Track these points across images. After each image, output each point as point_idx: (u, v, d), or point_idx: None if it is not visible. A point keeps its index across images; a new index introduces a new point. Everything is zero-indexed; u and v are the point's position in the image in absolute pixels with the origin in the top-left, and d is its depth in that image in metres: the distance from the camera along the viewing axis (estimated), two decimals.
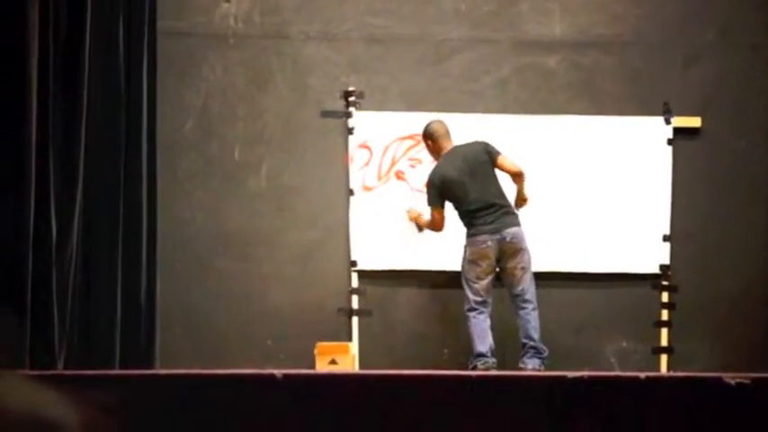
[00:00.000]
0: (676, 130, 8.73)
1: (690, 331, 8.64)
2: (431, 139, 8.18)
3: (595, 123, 8.71)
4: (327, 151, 8.66)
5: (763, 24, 8.81)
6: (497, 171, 8.05)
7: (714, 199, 8.75)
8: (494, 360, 7.89)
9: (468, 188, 7.96)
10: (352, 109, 8.65)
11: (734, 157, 8.78)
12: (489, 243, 7.91)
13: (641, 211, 8.65)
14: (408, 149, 8.65)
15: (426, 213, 8.27)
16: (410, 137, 8.63)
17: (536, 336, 7.91)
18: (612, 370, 8.52)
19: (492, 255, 7.92)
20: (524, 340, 7.91)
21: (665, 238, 8.66)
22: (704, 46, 8.81)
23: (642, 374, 4.89)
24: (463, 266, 8.02)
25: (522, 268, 7.95)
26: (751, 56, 8.80)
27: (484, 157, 8.02)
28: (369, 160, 8.64)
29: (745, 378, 4.73)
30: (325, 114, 8.68)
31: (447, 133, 8.16)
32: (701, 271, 8.68)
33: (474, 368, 7.87)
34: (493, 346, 7.90)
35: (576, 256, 8.59)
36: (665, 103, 8.73)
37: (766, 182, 8.77)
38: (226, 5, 8.67)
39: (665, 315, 8.68)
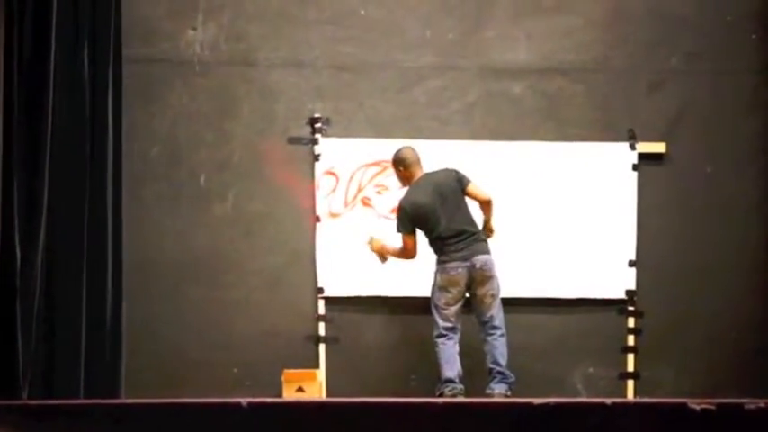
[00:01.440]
0: (641, 156, 8.77)
1: (656, 357, 8.66)
2: (402, 165, 8.17)
3: (561, 149, 8.74)
4: (294, 177, 8.65)
5: (727, 50, 8.88)
6: (467, 199, 8.07)
7: (679, 224, 8.79)
8: (461, 386, 7.88)
9: (440, 215, 7.96)
10: (318, 135, 8.66)
11: (699, 182, 8.83)
12: (460, 270, 7.92)
13: (607, 236, 8.68)
14: (374, 176, 8.66)
15: (390, 241, 8.23)
16: (376, 163, 8.64)
17: (503, 362, 7.92)
18: (579, 396, 8.53)
19: (462, 281, 7.93)
20: (491, 365, 7.92)
21: (631, 264, 8.69)
22: (668, 72, 8.87)
23: (608, 400, 4.90)
24: (433, 293, 8.02)
25: (492, 295, 7.97)
26: (715, 81, 8.86)
27: (454, 185, 8.03)
28: (335, 187, 8.64)
29: (711, 404, 4.75)
30: (292, 141, 8.68)
31: (418, 160, 8.16)
32: (667, 296, 8.71)
33: (441, 394, 7.86)
34: (461, 373, 7.90)
35: (542, 282, 8.61)
36: (630, 129, 8.78)
37: (731, 206, 8.82)
38: (192, 32, 8.67)
39: (631, 340, 8.70)
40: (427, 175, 8.12)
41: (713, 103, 8.87)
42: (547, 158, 8.73)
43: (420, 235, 8.06)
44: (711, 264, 8.73)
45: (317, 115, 8.67)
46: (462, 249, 7.93)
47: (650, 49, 8.88)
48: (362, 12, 8.79)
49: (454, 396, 7.78)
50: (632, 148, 8.76)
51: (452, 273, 7.92)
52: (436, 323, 7.96)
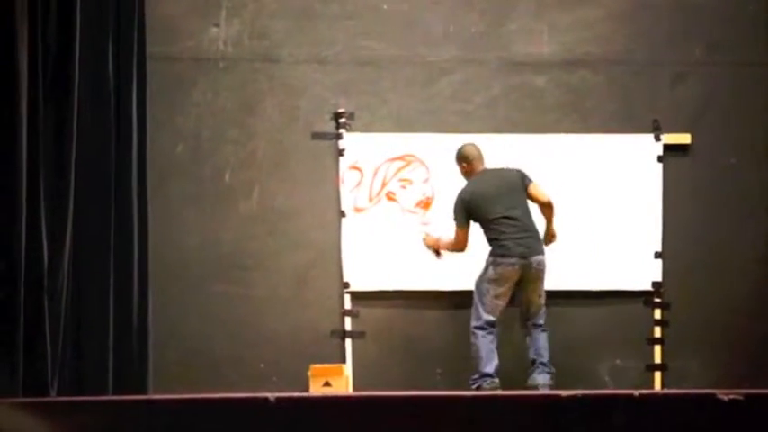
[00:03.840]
0: (666, 147, 8.75)
1: (683, 348, 8.64)
2: (465, 161, 8.17)
3: (585, 142, 8.72)
4: (318, 173, 8.67)
5: (750, 41, 8.84)
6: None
7: (705, 215, 8.77)
8: (498, 381, 7.89)
9: (498, 202, 7.95)
10: (342, 131, 8.66)
11: (724, 173, 8.80)
12: (516, 266, 7.92)
13: (633, 228, 8.66)
14: (399, 170, 8.66)
15: (444, 236, 8.24)
16: (400, 158, 8.64)
17: (546, 354, 7.94)
18: (606, 388, 8.52)
19: (515, 278, 7.93)
20: (534, 356, 7.97)
21: (657, 255, 8.67)
22: (692, 63, 8.85)
23: (636, 392, 4.89)
24: (481, 284, 8.00)
25: (540, 296, 7.99)
26: (738, 72, 8.83)
27: (517, 181, 8.04)
28: (359, 182, 8.65)
29: (738, 394, 4.74)
30: (316, 136, 8.69)
31: (480, 156, 8.17)
32: (694, 287, 8.68)
33: (479, 388, 7.85)
34: (498, 367, 7.91)
35: (569, 275, 8.59)
36: (655, 121, 8.75)
37: (756, 197, 8.78)
38: (215, 30, 8.69)
39: (657, 332, 8.69)
40: (490, 169, 8.13)
41: (737, 94, 8.84)
42: (571, 151, 8.72)
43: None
44: (737, 254, 8.70)
45: (340, 110, 8.68)
46: (521, 246, 7.91)
47: (673, 40, 8.85)
48: (385, 7, 8.79)
49: (493, 390, 7.76)
50: (657, 139, 8.74)
51: (508, 267, 7.91)
52: (479, 314, 7.94)
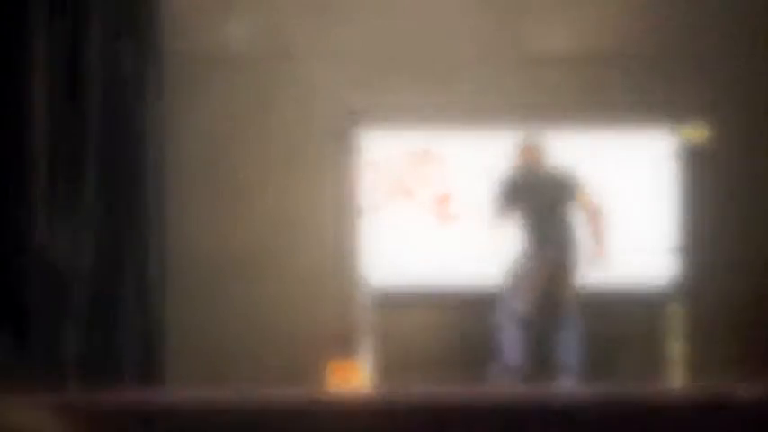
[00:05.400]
0: (683, 142, 8.71)
1: (701, 344, 8.61)
2: (527, 153, 8.15)
3: (603, 137, 8.69)
4: (334, 170, 8.65)
5: (767, 32, 8.80)
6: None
7: (723, 209, 8.73)
8: (521, 376, 7.88)
9: (542, 201, 7.93)
10: (358, 127, 8.65)
11: (743, 167, 8.76)
12: (549, 266, 7.89)
13: (651, 223, 8.63)
14: (416, 167, 8.64)
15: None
16: (417, 154, 8.62)
17: (573, 356, 7.91)
18: (627, 384, 8.48)
19: (546, 275, 7.90)
20: (561, 360, 7.93)
21: (676, 251, 8.64)
22: (710, 56, 8.80)
23: (655, 388, 4.87)
24: (510, 280, 7.97)
25: (568, 296, 7.95)
26: (756, 64, 8.79)
27: (567, 182, 8.01)
28: (376, 179, 8.63)
29: (762, 391, 4.71)
30: (332, 133, 8.68)
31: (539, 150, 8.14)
32: (714, 283, 8.65)
33: (499, 382, 7.86)
34: (520, 363, 7.89)
35: (585, 270, 8.55)
36: (672, 115, 8.72)
37: None
38: (230, 27, 8.68)
39: (676, 328, 8.65)
40: (545, 166, 8.12)
41: (755, 87, 8.80)
42: (587, 146, 8.68)
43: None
44: (758, 249, 8.67)
45: (356, 107, 8.66)
46: (555, 245, 7.89)
47: (690, 33, 8.81)
48: (401, 2, 8.77)
49: (514, 386, 7.77)
50: (674, 134, 8.70)
51: (541, 264, 7.88)
52: (505, 309, 7.90)
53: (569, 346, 7.95)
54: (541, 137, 8.21)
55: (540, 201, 7.94)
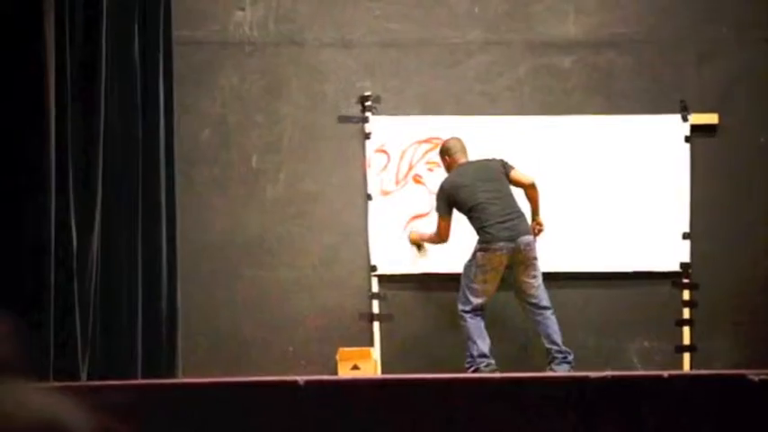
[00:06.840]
0: (693, 128, 8.71)
1: (712, 329, 8.61)
2: (447, 154, 8.20)
3: (612, 123, 8.69)
4: (344, 157, 8.67)
5: None
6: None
7: (733, 195, 8.73)
8: (494, 362, 7.90)
9: (480, 193, 7.93)
10: (368, 114, 8.66)
11: (752, 153, 8.75)
12: (504, 250, 7.88)
13: (660, 209, 8.63)
14: (425, 153, 8.65)
15: (426, 231, 8.29)
16: (427, 140, 8.63)
17: (559, 340, 7.92)
18: (635, 369, 8.50)
19: (505, 262, 7.90)
20: (549, 346, 7.91)
21: (685, 236, 8.64)
22: (719, 42, 8.79)
23: (665, 373, 4.88)
24: (469, 269, 8.00)
25: (535, 277, 7.95)
26: (766, 50, 8.77)
27: (499, 168, 8.05)
28: (386, 164, 8.64)
29: None
30: (342, 120, 8.69)
31: (463, 149, 8.19)
32: (722, 268, 8.65)
33: (476, 370, 7.87)
34: (491, 348, 7.92)
35: (596, 256, 8.57)
36: (682, 101, 8.71)
37: None
38: (240, 13, 8.68)
39: (686, 313, 8.66)
40: (471, 161, 8.14)
41: (765, 73, 8.78)
42: (597, 132, 8.69)
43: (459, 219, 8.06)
44: (765, 234, 8.66)
45: (366, 93, 8.67)
46: (507, 229, 7.89)
47: (700, 18, 8.80)
48: None
49: (492, 372, 7.78)
50: (684, 119, 8.70)
51: (496, 253, 7.88)
52: (467, 299, 7.95)
53: (551, 330, 7.90)
54: (457, 138, 8.21)
55: (478, 189, 7.93)
